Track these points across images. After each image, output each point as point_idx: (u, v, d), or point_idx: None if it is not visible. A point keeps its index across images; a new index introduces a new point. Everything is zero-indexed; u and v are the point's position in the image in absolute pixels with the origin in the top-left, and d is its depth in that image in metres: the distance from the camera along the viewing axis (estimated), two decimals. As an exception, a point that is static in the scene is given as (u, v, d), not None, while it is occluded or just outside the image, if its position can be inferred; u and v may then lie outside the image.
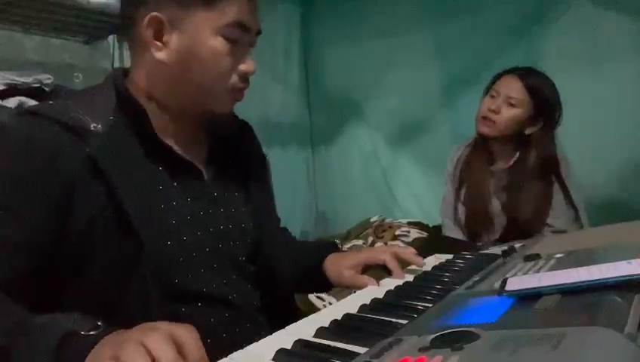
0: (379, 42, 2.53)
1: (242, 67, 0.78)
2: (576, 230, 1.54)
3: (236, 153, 0.89)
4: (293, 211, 2.65)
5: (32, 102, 1.66)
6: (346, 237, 2.33)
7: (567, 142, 1.69)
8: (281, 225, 1.05)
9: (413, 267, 0.94)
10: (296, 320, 0.66)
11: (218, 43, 0.74)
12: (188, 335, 0.48)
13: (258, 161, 0.95)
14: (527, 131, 1.56)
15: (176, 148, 0.79)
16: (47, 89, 1.69)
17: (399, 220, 2.38)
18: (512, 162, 1.61)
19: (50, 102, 0.74)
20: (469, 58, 2.18)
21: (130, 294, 0.67)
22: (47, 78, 1.69)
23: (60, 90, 1.73)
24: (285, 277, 0.89)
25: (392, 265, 0.90)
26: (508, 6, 2.16)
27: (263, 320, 0.84)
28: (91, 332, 0.52)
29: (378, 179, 2.67)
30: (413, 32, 2.42)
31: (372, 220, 2.41)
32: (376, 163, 2.67)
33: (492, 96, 1.57)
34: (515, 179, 1.58)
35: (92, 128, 0.68)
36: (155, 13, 0.73)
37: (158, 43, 0.75)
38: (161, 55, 0.75)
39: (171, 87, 0.77)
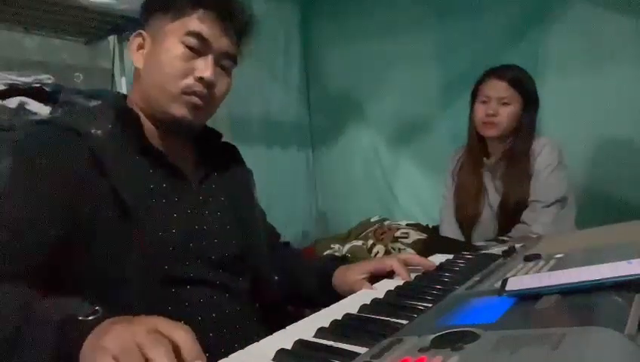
0: (379, 42, 2.53)
1: (197, 72, 0.84)
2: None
3: (222, 167, 0.98)
4: (293, 211, 2.65)
5: (32, 102, 1.66)
6: (347, 238, 2.33)
7: (566, 141, 1.70)
8: (283, 226, 1.08)
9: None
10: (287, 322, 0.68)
11: (178, 48, 0.84)
12: (185, 337, 0.49)
13: (243, 175, 1.03)
14: (523, 120, 1.65)
15: (165, 154, 0.87)
16: (47, 89, 1.70)
17: (399, 222, 2.38)
18: (504, 151, 1.68)
19: (59, 111, 0.87)
20: (469, 58, 2.18)
21: (125, 278, 0.74)
22: (47, 78, 1.70)
23: (64, 90, 1.73)
24: (271, 286, 0.95)
25: (401, 271, 0.90)
26: (508, 6, 2.16)
27: (253, 309, 0.90)
28: (89, 318, 0.56)
29: (378, 179, 2.67)
30: (414, 33, 2.42)
31: (372, 220, 2.41)
32: (376, 163, 2.67)
33: (484, 102, 1.66)
34: (509, 164, 1.67)
35: (92, 132, 0.79)
36: (139, 30, 0.89)
37: (139, 52, 0.89)
38: (138, 63, 0.88)
39: (144, 93, 0.88)
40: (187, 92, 0.84)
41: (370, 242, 2.14)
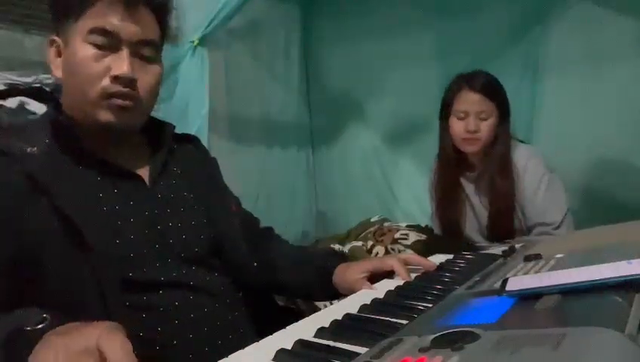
0: (379, 42, 2.53)
1: (112, 71, 0.77)
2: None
3: (181, 160, 0.93)
4: (293, 211, 2.65)
5: (32, 103, 1.66)
6: (346, 238, 2.33)
7: (567, 142, 1.69)
8: (283, 226, 1.05)
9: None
10: (275, 313, 0.67)
11: (85, 49, 0.77)
12: (118, 354, 0.49)
13: (206, 165, 0.99)
14: (499, 130, 1.57)
15: (110, 159, 0.82)
16: (47, 89, 1.70)
17: (398, 223, 2.38)
18: (486, 163, 1.61)
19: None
20: (469, 58, 2.18)
21: (87, 293, 0.70)
22: (47, 78, 1.70)
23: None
24: (251, 275, 0.92)
25: (401, 271, 0.89)
26: (508, 6, 2.16)
27: (235, 302, 0.86)
28: (37, 327, 0.54)
29: (378, 178, 2.67)
30: (413, 32, 2.42)
31: (372, 220, 2.41)
32: (376, 163, 2.67)
33: (461, 118, 1.56)
34: (492, 176, 1.59)
35: (28, 151, 0.73)
36: (52, 37, 0.81)
37: (57, 60, 0.81)
38: (56, 72, 0.81)
39: (70, 102, 0.81)
40: (106, 95, 0.77)
41: (370, 243, 2.15)
